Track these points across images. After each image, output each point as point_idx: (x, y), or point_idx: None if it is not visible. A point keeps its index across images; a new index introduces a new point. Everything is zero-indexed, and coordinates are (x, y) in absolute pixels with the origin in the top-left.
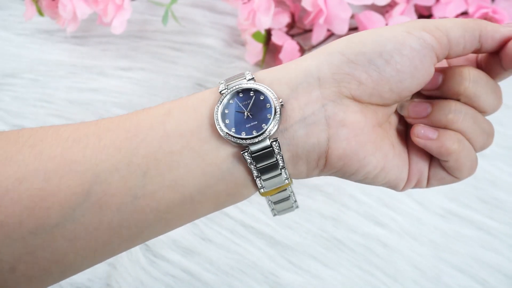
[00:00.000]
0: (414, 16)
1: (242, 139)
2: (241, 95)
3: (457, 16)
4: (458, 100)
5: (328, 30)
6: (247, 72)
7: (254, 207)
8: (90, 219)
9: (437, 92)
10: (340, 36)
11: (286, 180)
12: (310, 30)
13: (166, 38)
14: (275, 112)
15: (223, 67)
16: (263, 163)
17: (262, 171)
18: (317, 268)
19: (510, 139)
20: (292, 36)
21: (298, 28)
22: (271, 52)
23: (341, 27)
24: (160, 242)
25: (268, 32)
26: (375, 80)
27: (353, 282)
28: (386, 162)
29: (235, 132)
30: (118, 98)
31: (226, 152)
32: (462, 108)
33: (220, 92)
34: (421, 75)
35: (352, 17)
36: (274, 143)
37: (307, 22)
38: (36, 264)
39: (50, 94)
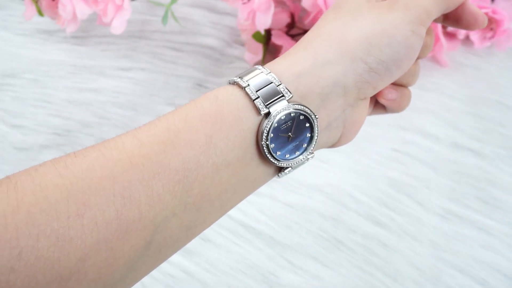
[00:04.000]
0: None
1: (287, 161)
2: (282, 117)
3: None
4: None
5: None
6: (282, 87)
7: (254, 207)
8: (149, 263)
9: None
10: None
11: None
12: None
13: (166, 38)
14: (315, 130)
15: (223, 67)
16: (295, 167)
17: (291, 171)
18: (317, 268)
19: (510, 140)
20: (292, 36)
21: (298, 28)
22: (271, 52)
23: None
24: None
25: (268, 32)
26: (385, 82)
27: (353, 282)
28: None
29: (280, 156)
30: (118, 98)
31: (265, 166)
32: (417, 69)
33: (261, 112)
34: (412, 63)
35: None
36: (311, 157)
37: (307, 22)
38: None
39: (50, 94)
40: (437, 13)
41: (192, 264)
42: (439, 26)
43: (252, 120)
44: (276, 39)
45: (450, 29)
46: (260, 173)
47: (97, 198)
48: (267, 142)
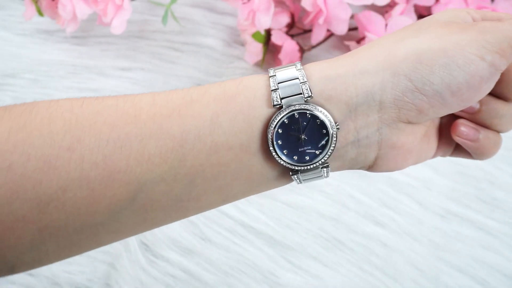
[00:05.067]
0: (414, 16)
1: (294, 164)
2: (296, 115)
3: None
4: (507, 100)
5: (328, 30)
6: (305, 85)
7: (254, 207)
8: (134, 219)
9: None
10: (340, 36)
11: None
12: (309, 30)
13: (166, 38)
14: (331, 140)
15: (222, 67)
16: (308, 177)
17: (306, 180)
18: (317, 268)
19: (510, 140)
20: (292, 36)
21: (298, 28)
22: (270, 52)
23: (340, 27)
24: (159, 242)
25: (268, 32)
26: (436, 110)
27: (353, 282)
28: (419, 157)
29: (287, 156)
30: None
31: (269, 166)
32: (509, 111)
33: (274, 104)
34: (481, 98)
35: (352, 17)
36: (325, 169)
37: (306, 22)
38: (80, 249)
39: (50, 94)
40: None
41: (192, 264)
42: None
43: (265, 110)
44: (276, 39)
45: None
46: (268, 169)
47: (91, 139)
48: (273, 135)
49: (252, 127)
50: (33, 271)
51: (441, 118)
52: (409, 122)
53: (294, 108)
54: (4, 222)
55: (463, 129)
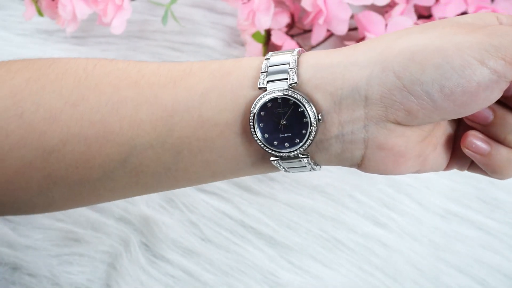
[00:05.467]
0: (414, 16)
1: (273, 150)
2: (279, 100)
3: (457, 16)
4: None
5: (328, 30)
6: (292, 71)
7: (254, 207)
8: (127, 180)
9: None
10: (340, 36)
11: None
12: (309, 30)
13: (166, 38)
14: (311, 130)
15: None
16: (291, 166)
17: (289, 168)
18: (317, 268)
19: None
20: (292, 36)
21: (298, 28)
22: None
23: (340, 27)
24: (160, 242)
25: (268, 32)
26: (428, 113)
27: (353, 282)
28: (423, 165)
29: (267, 140)
30: None
31: (258, 147)
32: None
33: (259, 87)
34: (482, 106)
35: (352, 17)
36: (305, 159)
37: (306, 22)
38: (83, 201)
39: None
40: None
41: (192, 264)
42: None
43: (251, 91)
44: (276, 39)
45: None
46: (253, 151)
47: (94, 99)
48: (254, 117)
49: (237, 106)
50: (33, 272)
51: (456, 127)
52: (399, 123)
53: (277, 93)
54: (14, 166)
55: (473, 140)
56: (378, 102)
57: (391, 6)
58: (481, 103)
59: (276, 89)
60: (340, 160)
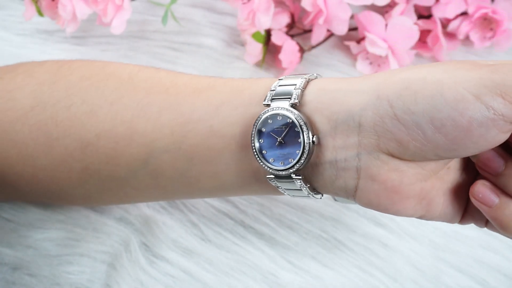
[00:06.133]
0: (414, 16)
1: (268, 166)
2: (279, 118)
3: (457, 16)
4: None
5: (328, 30)
6: (296, 91)
7: (254, 207)
8: (149, 181)
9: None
10: (340, 36)
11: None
12: (310, 30)
13: (166, 38)
14: (303, 151)
15: (222, 67)
16: (288, 187)
17: (288, 190)
18: (317, 268)
19: None
20: (292, 36)
21: (298, 28)
22: (271, 52)
23: (340, 27)
24: (160, 243)
25: (268, 32)
26: (420, 146)
27: (353, 282)
28: (428, 211)
29: (265, 156)
30: None
31: (250, 161)
32: None
33: (263, 103)
34: (481, 146)
35: (352, 17)
36: (298, 181)
37: (306, 22)
38: (113, 197)
39: None
40: None
41: (192, 264)
42: (438, 25)
43: (259, 108)
44: (276, 39)
45: (450, 28)
46: (252, 168)
47: (128, 100)
48: (254, 131)
49: (245, 121)
50: (33, 271)
51: (470, 176)
52: (392, 155)
53: (276, 110)
54: (60, 154)
55: (480, 189)
56: (371, 130)
57: (391, 6)
58: (477, 141)
59: (278, 107)
60: (334, 188)
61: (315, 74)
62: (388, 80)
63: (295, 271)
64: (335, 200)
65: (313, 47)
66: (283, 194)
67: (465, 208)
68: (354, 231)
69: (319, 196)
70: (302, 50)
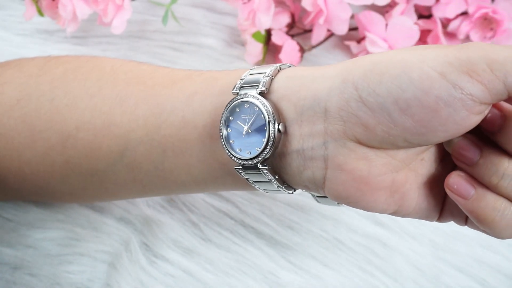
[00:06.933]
0: (414, 16)
1: (234, 156)
2: (246, 106)
3: (457, 16)
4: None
5: (328, 30)
6: (264, 79)
7: (254, 207)
8: (126, 174)
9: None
10: (340, 36)
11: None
12: (310, 30)
13: (166, 38)
14: (268, 140)
15: (223, 67)
16: (257, 180)
17: (257, 183)
18: (317, 268)
19: None
20: (292, 36)
21: (298, 28)
22: (271, 52)
23: (341, 27)
24: (160, 242)
25: (268, 32)
26: (385, 129)
27: (353, 282)
28: (401, 205)
29: (232, 145)
30: None
31: (220, 152)
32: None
33: (232, 91)
34: (451, 129)
35: (352, 17)
36: (265, 171)
37: (307, 22)
38: (95, 192)
39: None
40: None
41: (192, 264)
42: (439, 25)
43: (229, 96)
44: (277, 39)
45: (450, 28)
46: (224, 161)
47: (108, 91)
48: (222, 120)
49: (216, 111)
50: (33, 271)
51: (445, 168)
52: (360, 143)
53: (243, 98)
54: (43, 148)
55: (455, 180)
56: (336, 115)
57: (391, 6)
58: (446, 123)
59: (245, 95)
60: (303, 179)
61: (288, 64)
62: (355, 63)
63: (295, 271)
64: (318, 202)
65: (314, 47)
66: (254, 188)
67: (442, 204)
68: (354, 231)
69: (291, 190)
70: (302, 50)
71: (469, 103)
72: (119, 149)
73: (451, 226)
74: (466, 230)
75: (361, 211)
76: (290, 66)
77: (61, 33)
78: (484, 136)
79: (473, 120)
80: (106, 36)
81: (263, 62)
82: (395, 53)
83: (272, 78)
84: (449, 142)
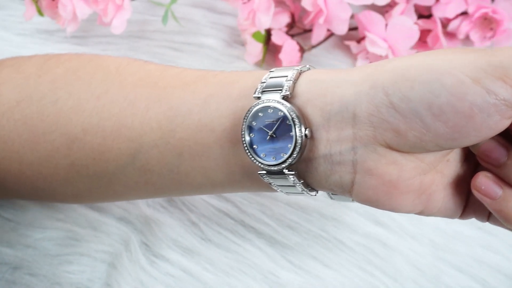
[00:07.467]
0: (414, 16)
1: (259, 161)
2: (270, 110)
3: (457, 16)
4: None
5: (328, 30)
6: (287, 83)
7: (254, 207)
8: (138, 177)
9: None
10: (340, 36)
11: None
12: (310, 30)
13: (166, 38)
14: (295, 146)
15: (223, 67)
16: (281, 184)
17: (280, 187)
18: (317, 268)
19: None
20: (292, 36)
21: (298, 28)
22: (271, 52)
23: (341, 27)
24: (160, 242)
25: (268, 32)
26: (418, 135)
27: (353, 282)
28: (427, 206)
29: (256, 151)
30: None
31: (240, 156)
32: None
33: (254, 96)
34: (484, 134)
35: (352, 17)
36: (291, 177)
37: (307, 22)
38: (103, 195)
39: None
40: None
41: (192, 264)
42: (438, 25)
43: (249, 100)
44: (276, 39)
45: (450, 28)
46: (244, 164)
47: (115, 93)
48: (244, 126)
49: (235, 115)
50: (33, 271)
51: (471, 168)
52: (390, 148)
53: (266, 103)
54: (46, 150)
55: (482, 181)
56: (366, 120)
57: (391, 5)
58: (479, 128)
59: (269, 100)
60: (330, 183)
61: (307, 66)
62: (381, 69)
63: (295, 271)
64: (332, 198)
65: (313, 46)
66: (276, 191)
67: (466, 202)
68: (355, 231)
69: (314, 193)
70: (302, 50)
71: (502, 108)
72: (130, 152)
73: (451, 226)
74: (466, 230)
75: (361, 210)
76: (309, 68)
77: (61, 33)
78: (510, 136)
79: (505, 124)
80: (106, 36)
81: (263, 62)
82: (422, 59)
83: (295, 82)
84: (475, 143)
